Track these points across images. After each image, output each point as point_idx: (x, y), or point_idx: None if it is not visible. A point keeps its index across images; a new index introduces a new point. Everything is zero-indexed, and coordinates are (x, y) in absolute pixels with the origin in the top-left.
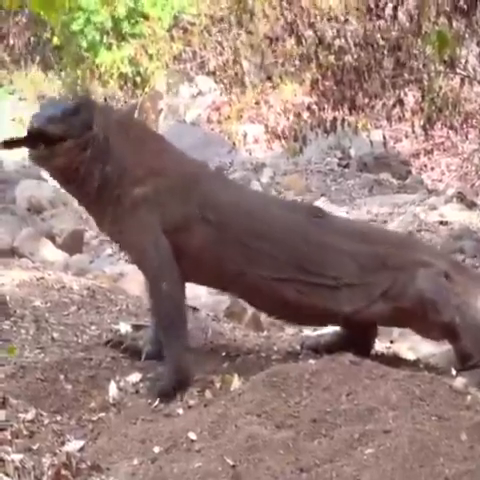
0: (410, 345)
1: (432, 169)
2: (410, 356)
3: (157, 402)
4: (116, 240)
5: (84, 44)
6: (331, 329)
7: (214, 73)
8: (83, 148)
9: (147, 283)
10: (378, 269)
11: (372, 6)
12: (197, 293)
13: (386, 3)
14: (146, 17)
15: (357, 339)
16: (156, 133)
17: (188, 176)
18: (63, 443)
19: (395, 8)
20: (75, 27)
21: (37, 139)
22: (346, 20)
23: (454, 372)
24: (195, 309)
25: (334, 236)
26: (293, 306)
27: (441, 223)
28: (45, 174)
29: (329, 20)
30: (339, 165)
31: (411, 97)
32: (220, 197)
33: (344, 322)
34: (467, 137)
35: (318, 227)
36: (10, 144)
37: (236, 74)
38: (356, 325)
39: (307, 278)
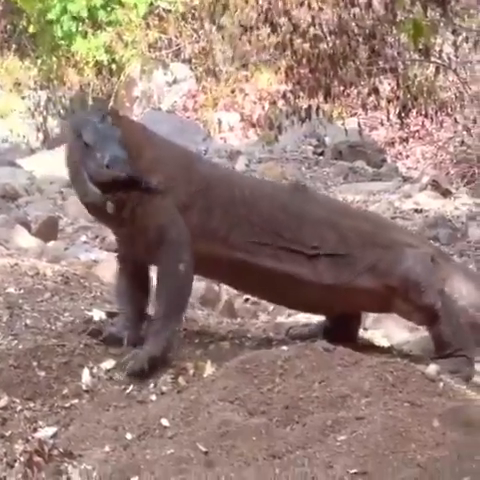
0: (384, 332)
1: (407, 157)
2: (384, 343)
3: (131, 388)
4: (130, 229)
5: (60, 33)
6: (315, 319)
7: (190, 61)
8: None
9: (162, 261)
10: (362, 244)
11: None
12: None
13: None
14: (122, 4)
15: (341, 329)
16: (140, 123)
17: (184, 158)
18: (35, 430)
19: None
20: (51, 16)
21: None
22: (321, 8)
23: (427, 359)
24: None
25: (315, 208)
26: (269, 275)
27: (416, 211)
28: (20, 162)
29: (302, 5)
30: (314, 153)
31: (386, 85)
32: (211, 173)
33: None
34: (442, 125)
35: (298, 198)
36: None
37: (212, 62)
38: (340, 315)
39: (284, 244)
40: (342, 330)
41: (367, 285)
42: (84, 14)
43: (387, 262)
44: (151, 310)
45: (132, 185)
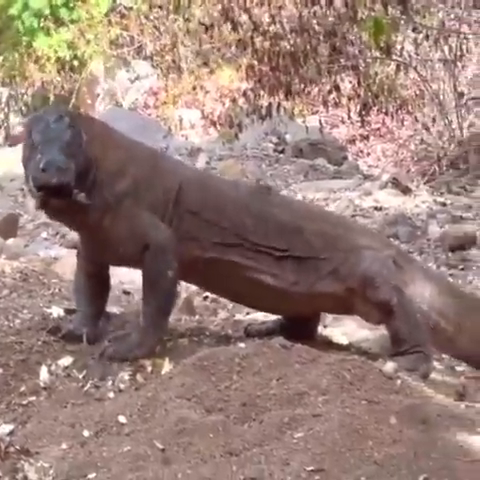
0: (343, 330)
1: (368, 155)
2: (343, 341)
3: (88, 385)
4: (101, 238)
5: (21, 29)
6: (273, 316)
7: (151, 58)
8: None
9: (148, 267)
10: (326, 248)
11: None
12: (132, 278)
13: None
14: (83, 1)
15: (300, 327)
16: (104, 123)
17: (152, 160)
18: None
19: None
20: (13, 11)
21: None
22: (281, 6)
23: (385, 357)
24: (128, 293)
25: (279, 211)
26: (235, 276)
27: (376, 209)
28: None
29: (262, 4)
30: (275, 150)
31: (347, 83)
32: (181, 177)
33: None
34: (403, 123)
35: (263, 201)
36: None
37: (173, 60)
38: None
39: (251, 247)
40: (301, 327)
41: (329, 289)
42: (46, 11)
43: (348, 265)
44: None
45: (62, 194)
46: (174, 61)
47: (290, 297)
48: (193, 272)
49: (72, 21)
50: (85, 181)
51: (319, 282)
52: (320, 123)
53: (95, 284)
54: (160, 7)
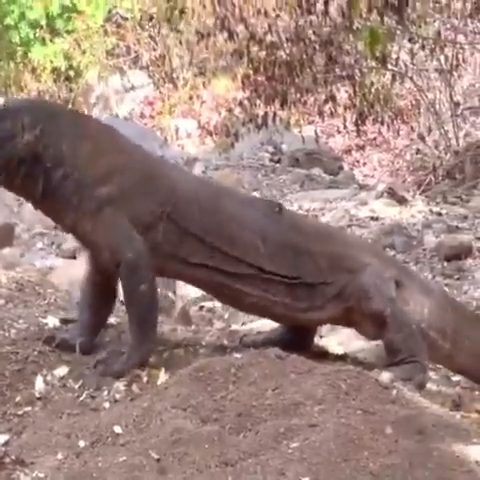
0: (339, 340)
1: (364, 164)
2: (339, 351)
3: (84, 395)
4: (82, 241)
5: (17, 39)
6: (269, 327)
7: (147, 68)
8: (8, 159)
9: (123, 282)
10: (333, 269)
11: (303, 1)
12: None
13: None
14: (79, 12)
15: (296, 336)
16: (108, 126)
17: (150, 172)
18: None
19: (326, 3)
20: (9, 21)
21: None
22: (278, 16)
23: (381, 367)
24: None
25: (292, 232)
26: (250, 299)
27: (372, 218)
28: None
29: (259, 14)
30: (271, 160)
31: (343, 93)
32: (181, 192)
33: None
34: (399, 133)
35: (276, 224)
36: None
37: (169, 69)
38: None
39: (262, 274)
40: (297, 338)
41: (334, 310)
42: (42, 22)
43: (351, 285)
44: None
45: None
46: (170, 70)
47: (297, 319)
48: (197, 284)
49: (68, 31)
50: (31, 173)
51: (327, 305)
52: (316, 133)
53: (99, 294)
54: (151, 19)
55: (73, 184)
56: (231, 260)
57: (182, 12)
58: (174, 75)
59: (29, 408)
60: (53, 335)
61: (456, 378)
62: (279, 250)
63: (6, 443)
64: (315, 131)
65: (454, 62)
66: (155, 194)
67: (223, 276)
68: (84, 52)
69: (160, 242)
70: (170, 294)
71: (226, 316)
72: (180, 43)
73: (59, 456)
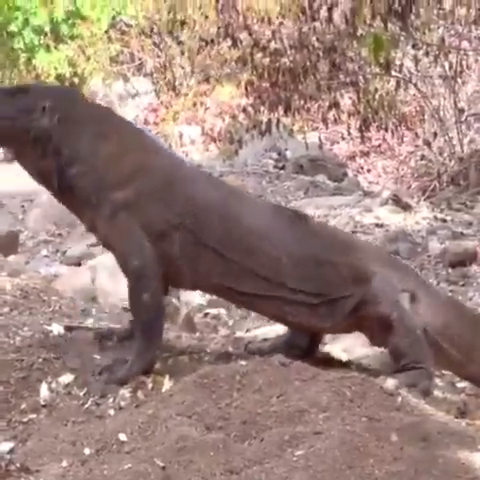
0: (344, 346)
1: (368, 171)
2: (343, 357)
3: (89, 403)
4: (101, 242)
5: (21, 45)
6: (274, 333)
7: (151, 75)
8: (19, 133)
9: (128, 289)
10: (354, 282)
11: (306, 8)
12: None
13: (321, 5)
14: (84, 19)
15: (301, 343)
16: (131, 124)
17: (169, 175)
18: None
19: (330, 10)
20: (13, 27)
21: None
22: (281, 23)
23: (386, 374)
24: (127, 310)
25: (316, 248)
26: (273, 318)
27: (376, 225)
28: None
29: (262, 21)
30: (275, 167)
31: (347, 99)
32: (199, 201)
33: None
34: (403, 140)
35: (299, 238)
36: None
37: (173, 76)
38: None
39: (288, 295)
40: (302, 344)
41: (350, 319)
42: (46, 27)
43: (366, 298)
44: None
45: None
46: (174, 77)
47: (314, 330)
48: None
49: (72, 37)
50: (45, 160)
51: (347, 317)
52: (319, 140)
53: None
54: (152, 30)
55: (91, 184)
56: (250, 277)
57: (184, 23)
58: (177, 83)
59: (34, 415)
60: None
61: (461, 385)
62: (305, 266)
63: (11, 450)
64: (319, 138)
65: (458, 68)
66: (173, 203)
67: (241, 295)
68: (88, 59)
69: (177, 254)
70: (174, 300)
71: (231, 323)
72: (182, 53)
73: (64, 464)
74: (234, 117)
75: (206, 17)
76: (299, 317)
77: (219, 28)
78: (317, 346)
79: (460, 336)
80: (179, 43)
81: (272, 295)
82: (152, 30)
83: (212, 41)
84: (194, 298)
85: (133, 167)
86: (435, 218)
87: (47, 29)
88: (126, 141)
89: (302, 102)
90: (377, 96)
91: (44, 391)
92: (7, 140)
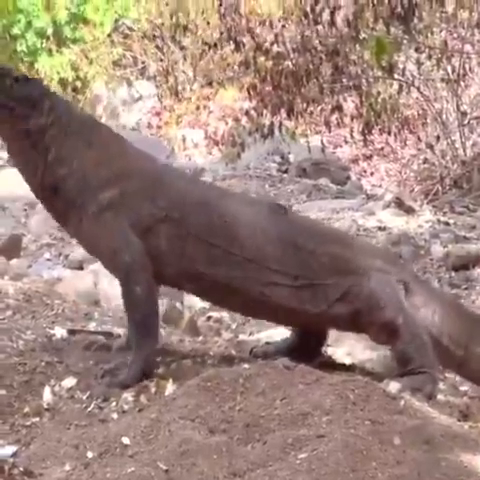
0: (347, 350)
1: (371, 174)
2: (347, 361)
3: (92, 406)
4: (81, 242)
5: (24, 48)
6: (278, 336)
7: (155, 78)
8: (17, 118)
9: (120, 286)
10: (338, 272)
11: (308, 11)
12: None
13: (323, 8)
14: (86, 22)
15: (306, 345)
16: (116, 133)
17: (152, 176)
18: None
19: (332, 13)
20: (16, 30)
21: None
22: (284, 26)
23: (389, 377)
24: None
25: (296, 233)
26: (256, 304)
27: (379, 228)
28: None
29: (263, 24)
30: (278, 170)
31: (350, 103)
32: (183, 195)
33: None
34: (406, 143)
35: (279, 224)
36: None
37: (176, 79)
38: (306, 332)
39: (268, 277)
40: (307, 346)
41: (339, 311)
42: (49, 30)
43: (356, 289)
44: None
45: None
46: (177, 80)
47: (303, 318)
48: (206, 294)
49: (75, 40)
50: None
51: (331, 306)
52: (322, 143)
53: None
54: (154, 36)
55: (77, 185)
56: (235, 261)
57: (186, 28)
58: (180, 87)
59: (37, 419)
60: (95, 340)
61: (464, 388)
62: (283, 249)
63: (14, 454)
64: (321, 141)
65: (461, 72)
66: (157, 198)
67: (229, 279)
68: (91, 63)
69: (163, 246)
70: (178, 304)
71: (234, 326)
72: (185, 59)
73: (67, 467)
74: (237, 120)
75: (208, 23)
76: (281, 299)
77: (222, 34)
78: (321, 349)
79: (459, 331)
80: (181, 48)
81: (256, 278)
82: (154, 36)
83: (215, 45)
84: (197, 302)
85: (117, 170)
86: (438, 221)
87: (50, 31)
88: (111, 147)
89: (305, 105)
90: (380, 99)
91: (47, 395)
92: (2, 127)
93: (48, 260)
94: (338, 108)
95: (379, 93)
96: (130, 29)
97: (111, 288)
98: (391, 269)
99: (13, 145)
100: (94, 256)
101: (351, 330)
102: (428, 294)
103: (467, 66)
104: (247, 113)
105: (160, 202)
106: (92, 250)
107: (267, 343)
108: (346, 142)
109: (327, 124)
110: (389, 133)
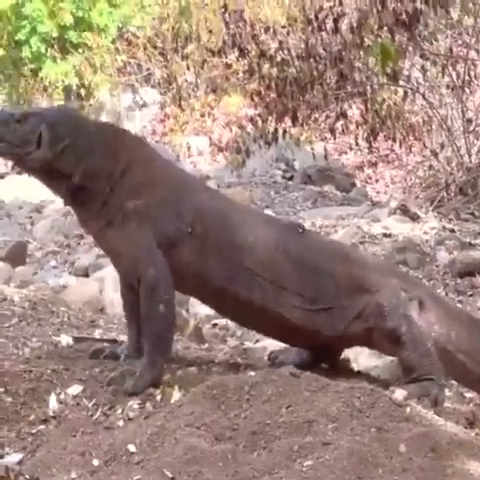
0: (353, 357)
1: (376, 181)
2: (353, 368)
3: (98, 414)
4: (106, 250)
5: (29, 54)
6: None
7: (159, 85)
8: (21, 159)
9: (142, 298)
10: (354, 291)
11: (312, 18)
12: None
13: (327, 15)
14: (91, 28)
15: (323, 355)
16: (145, 143)
17: (179, 188)
18: (1, 456)
19: (336, 20)
20: (21, 36)
21: None
22: (288, 32)
23: (395, 384)
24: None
25: (314, 255)
26: (274, 324)
27: (385, 235)
28: None
29: (267, 31)
30: (283, 177)
31: (355, 109)
32: (207, 210)
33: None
34: (411, 150)
35: (299, 245)
36: None
37: (179, 90)
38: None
39: (287, 299)
40: (324, 355)
41: (355, 330)
42: (54, 34)
43: (371, 306)
44: None
45: None
46: (181, 87)
47: (320, 341)
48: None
49: (79, 46)
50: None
51: (348, 327)
52: (325, 150)
53: (135, 307)
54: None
55: (102, 194)
56: (253, 280)
57: (187, 38)
58: (184, 94)
59: (43, 427)
60: (101, 349)
61: (470, 395)
62: (301, 270)
63: (20, 462)
64: (325, 148)
65: (466, 78)
66: (183, 212)
67: (241, 299)
68: (95, 71)
69: (186, 261)
70: (183, 312)
71: (239, 334)
72: (188, 68)
73: (73, 475)
74: (241, 127)
75: (210, 31)
76: (299, 321)
77: (225, 42)
78: (339, 356)
79: (475, 347)
80: (185, 57)
81: (275, 298)
82: (156, 46)
83: (219, 52)
84: (203, 309)
85: (143, 180)
86: (443, 228)
87: (54, 35)
88: (137, 155)
89: (309, 112)
90: (385, 106)
91: (53, 402)
92: (18, 166)
93: (54, 267)
94: (343, 115)
95: (384, 100)
96: (134, 36)
97: (116, 295)
98: (406, 286)
99: (35, 177)
100: (117, 265)
101: (365, 346)
102: (444, 311)
103: (472, 73)
104: (252, 120)
105: (186, 216)
106: (114, 257)
107: (286, 350)
108: (351, 149)
109: (332, 131)
110: (394, 140)
